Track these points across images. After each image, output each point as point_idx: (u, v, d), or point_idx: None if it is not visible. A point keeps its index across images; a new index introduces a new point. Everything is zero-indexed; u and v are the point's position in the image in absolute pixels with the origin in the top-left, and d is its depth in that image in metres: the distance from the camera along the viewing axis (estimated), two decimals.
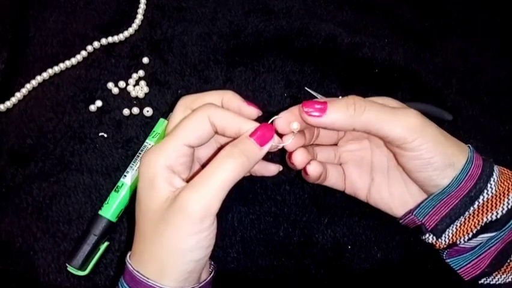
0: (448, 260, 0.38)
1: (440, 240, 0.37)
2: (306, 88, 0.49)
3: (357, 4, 0.54)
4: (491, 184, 0.35)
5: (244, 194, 0.45)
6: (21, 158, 0.46)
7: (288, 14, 0.52)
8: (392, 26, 0.53)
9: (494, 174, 0.35)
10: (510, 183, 0.35)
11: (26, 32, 0.51)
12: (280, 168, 0.41)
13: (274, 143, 0.34)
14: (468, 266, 0.37)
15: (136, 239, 0.33)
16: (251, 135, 0.32)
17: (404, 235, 0.45)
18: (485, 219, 0.35)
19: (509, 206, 0.35)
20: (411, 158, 0.35)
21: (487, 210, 0.35)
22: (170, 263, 0.30)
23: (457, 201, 0.35)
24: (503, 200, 0.35)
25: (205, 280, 0.34)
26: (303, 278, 0.44)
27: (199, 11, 0.53)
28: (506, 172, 0.36)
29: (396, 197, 0.39)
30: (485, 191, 0.35)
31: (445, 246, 0.37)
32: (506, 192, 0.35)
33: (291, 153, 0.38)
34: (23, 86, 0.48)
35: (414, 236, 0.45)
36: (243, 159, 0.31)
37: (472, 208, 0.35)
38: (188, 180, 0.32)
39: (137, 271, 0.31)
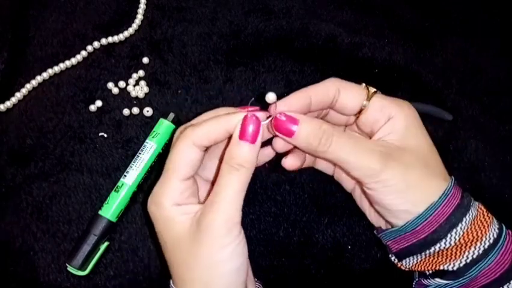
0: None
1: (402, 263, 0.37)
2: None
3: (357, 4, 0.54)
4: (451, 235, 0.33)
5: (244, 194, 0.45)
6: (21, 158, 0.46)
7: (288, 14, 0.52)
8: (392, 26, 0.53)
9: (460, 224, 0.33)
10: (478, 234, 0.33)
11: (26, 32, 0.51)
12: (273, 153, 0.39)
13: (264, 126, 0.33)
14: None
15: (172, 270, 0.34)
16: (240, 137, 0.32)
17: None
18: (441, 267, 0.34)
19: (468, 261, 0.33)
20: (368, 193, 0.35)
21: (444, 259, 0.34)
22: (213, 278, 0.32)
23: (414, 240, 0.35)
24: (463, 253, 0.33)
25: None
26: (303, 278, 0.44)
27: (199, 11, 0.53)
28: (481, 219, 0.34)
29: (371, 208, 0.39)
30: (444, 240, 0.33)
31: (407, 270, 0.37)
32: (469, 245, 0.33)
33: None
34: (23, 86, 0.48)
35: None
36: (243, 170, 0.32)
37: (428, 252, 0.34)
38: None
39: None
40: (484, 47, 0.53)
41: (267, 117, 0.34)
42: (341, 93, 0.35)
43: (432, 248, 0.34)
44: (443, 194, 0.33)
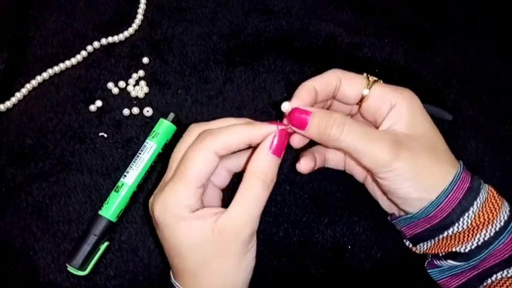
0: (428, 270, 0.38)
1: (416, 248, 0.38)
2: None
3: (357, 4, 0.54)
4: (464, 218, 0.34)
5: None
6: (21, 158, 0.46)
7: (288, 14, 0.52)
8: (392, 26, 0.53)
9: (472, 208, 0.34)
10: (489, 216, 0.34)
11: (26, 32, 0.51)
12: None
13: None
14: (444, 280, 0.37)
15: (184, 276, 0.34)
16: (273, 151, 0.33)
17: None
18: (453, 249, 0.35)
19: (479, 243, 0.34)
20: (380, 182, 0.35)
21: (457, 242, 0.35)
22: (238, 282, 0.34)
23: (427, 226, 0.35)
24: (475, 236, 0.34)
25: None
26: (303, 278, 0.44)
27: (199, 11, 0.53)
28: (492, 201, 0.34)
29: (383, 196, 0.40)
30: (456, 224, 0.34)
31: (422, 253, 0.38)
32: (480, 227, 0.34)
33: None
34: (23, 86, 0.48)
35: None
36: (272, 183, 0.33)
37: (441, 236, 0.35)
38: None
39: None
40: (484, 47, 0.53)
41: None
42: (342, 82, 0.36)
43: (446, 232, 0.35)
44: (453, 179, 0.34)
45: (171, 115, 0.45)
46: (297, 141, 0.36)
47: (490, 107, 0.50)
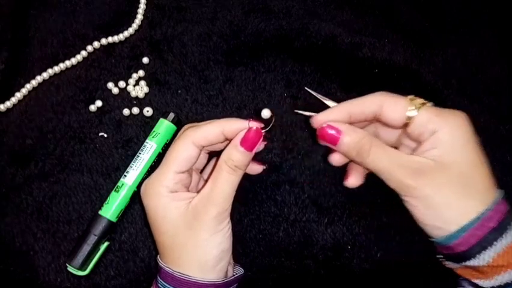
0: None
1: (445, 263, 0.39)
2: (306, 88, 0.49)
3: (357, 4, 0.54)
4: (482, 256, 0.33)
5: (244, 194, 0.45)
6: (21, 158, 0.46)
7: (288, 14, 0.52)
8: (392, 26, 0.53)
9: (493, 247, 0.33)
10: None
11: (26, 32, 0.51)
12: (264, 167, 0.42)
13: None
14: None
15: (166, 251, 0.38)
16: (241, 144, 0.36)
17: (404, 235, 0.45)
18: (475, 280, 0.35)
19: (502, 283, 0.33)
20: (403, 202, 0.36)
21: (478, 274, 0.35)
22: (207, 259, 0.36)
23: (449, 251, 0.36)
24: (496, 275, 0.34)
25: (236, 275, 0.39)
26: (303, 278, 0.44)
27: (199, 11, 0.53)
28: None
29: None
30: (477, 259, 0.34)
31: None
32: (503, 269, 0.33)
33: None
34: (23, 86, 0.48)
35: (414, 236, 0.45)
36: (239, 171, 0.36)
37: (463, 263, 0.35)
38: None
39: (179, 272, 0.36)
40: (484, 47, 0.53)
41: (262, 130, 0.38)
42: (384, 107, 0.36)
43: (467, 262, 0.35)
44: (476, 216, 0.33)
45: (171, 115, 0.45)
46: (336, 159, 0.39)
47: (490, 107, 0.50)
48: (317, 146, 0.47)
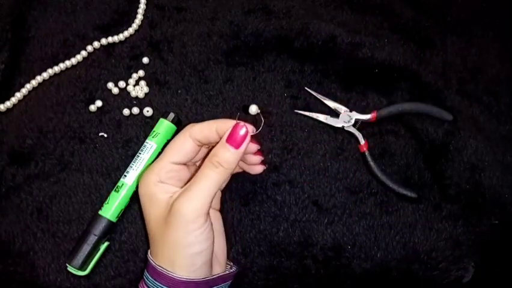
0: None
1: None
2: (306, 88, 0.49)
3: (357, 4, 0.54)
4: None
5: (244, 194, 0.45)
6: (21, 158, 0.46)
7: (288, 14, 0.52)
8: (392, 26, 0.53)
9: None
10: None
11: (26, 32, 0.51)
12: (265, 167, 0.43)
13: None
14: None
15: (151, 243, 0.39)
16: (227, 140, 0.36)
17: (404, 235, 0.45)
18: None
19: None
20: None
21: None
22: (177, 257, 0.35)
23: None
24: None
25: (217, 274, 0.38)
26: (303, 278, 0.44)
27: (199, 11, 0.53)
28: None
29: None
30: None
31: None
32: None
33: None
34: (23, 86, 0.48)
35: (414, 236, 0.45)
36: (221, 169, 0.36)
37: None
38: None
39: (159, 265, 0.36)
40: (484, 47, 0.53)
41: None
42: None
43: None
44: None
45: (171, 115, 0.45)
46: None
47: (490, 107, 0.50)
48: (317, 146, 0.47)
